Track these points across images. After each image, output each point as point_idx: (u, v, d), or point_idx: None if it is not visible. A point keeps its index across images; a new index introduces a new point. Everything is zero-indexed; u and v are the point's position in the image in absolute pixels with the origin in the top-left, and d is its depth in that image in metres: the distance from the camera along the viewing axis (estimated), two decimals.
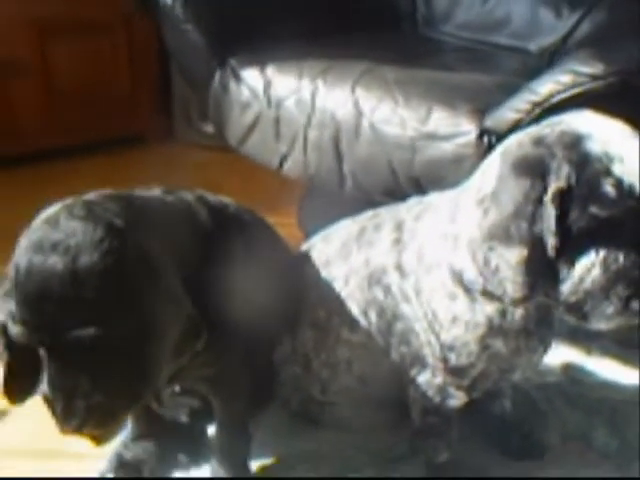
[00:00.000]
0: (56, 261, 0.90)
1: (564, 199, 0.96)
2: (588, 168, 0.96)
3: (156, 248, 0.99)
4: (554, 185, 0.96)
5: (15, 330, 0.94)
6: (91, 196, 1.02)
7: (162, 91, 2.74)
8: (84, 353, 0.92)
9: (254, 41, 1.75)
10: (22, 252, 0.93)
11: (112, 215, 0.96)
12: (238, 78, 1.71)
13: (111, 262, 0.92)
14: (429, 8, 2.08)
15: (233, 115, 1.73)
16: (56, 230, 0.93)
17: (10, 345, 0.99)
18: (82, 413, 0.94)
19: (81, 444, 1.31)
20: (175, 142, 2.78)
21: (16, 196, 2.30)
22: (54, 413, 0.96)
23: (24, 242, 0.94)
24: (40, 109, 2.50)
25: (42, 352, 0.95)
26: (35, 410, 1.39)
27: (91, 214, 0.95)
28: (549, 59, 1.76)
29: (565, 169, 0.96)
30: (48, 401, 0.96)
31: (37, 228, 0.95)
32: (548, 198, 0.97)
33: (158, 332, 0.97)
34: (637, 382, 1.53)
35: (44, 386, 0.96)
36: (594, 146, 0.96)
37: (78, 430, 0.96)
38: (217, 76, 1.75)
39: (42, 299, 0.90)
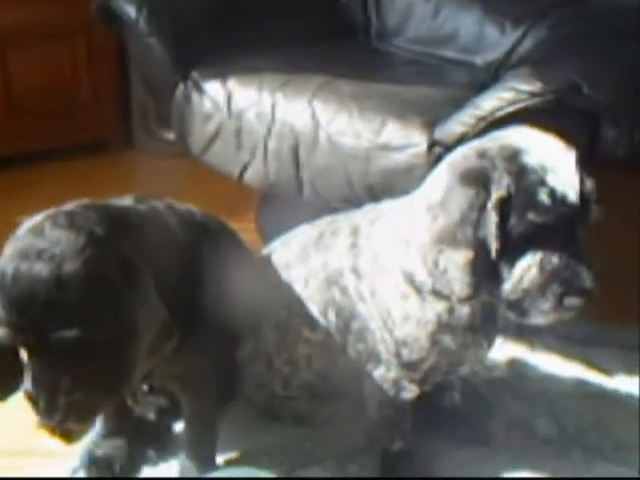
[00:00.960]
0: (41, 268, 0.95)
1: (505, 207, 1.05)
2: (525, 179, 1.04)
3: (133, 255, 1.05)
4: (496, 194, 1.05)
5: (1, 332, 0.99)
6: (72, 206, 1.07)
7: (121, 99, 2.74)
8: (66, 353, 0.97)
9: (215, 54, 1.80)
10: (8, 259, 0.98)
11: (92, 224, 1.02)
12: (200, 90, 1.75)
13: (93, 269, 0.97)
14: (382, 22, 2.15)
15: (195, 126, 1.78)
16: (41, 239, 0.98)
17: None
18: (63, 409, 0.99)
19: (52, 442, 1.37)
20: (135, 149, 2.80)
21: None
22: (37, 409, 1.01)
23: (10, 250, 0.99)
24: (1, 116, 2.50)
25: (26, 352, 1.01)
26: (5, 410, 1.44)
27: (73, 223, 1.00)
28: (494, 73, 1.85)
29: (505, 180, 1.05)
30: (31, 398, 1.01)
31: (23, 236, 1.00)
32: (490, 206, 1.05)
33: (135, 334, 1.02)
34: (575, 374, 1.62)
35: (27, 384, 1.01)
36: (531, 159, 1.05)
37: (59, 425, 1.02)
38: (180, 88, 1.80)
39: (28, 303, 0.95)
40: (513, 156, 1.06)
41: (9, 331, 0.98)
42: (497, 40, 1.94)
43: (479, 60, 1.96)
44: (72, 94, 2.64)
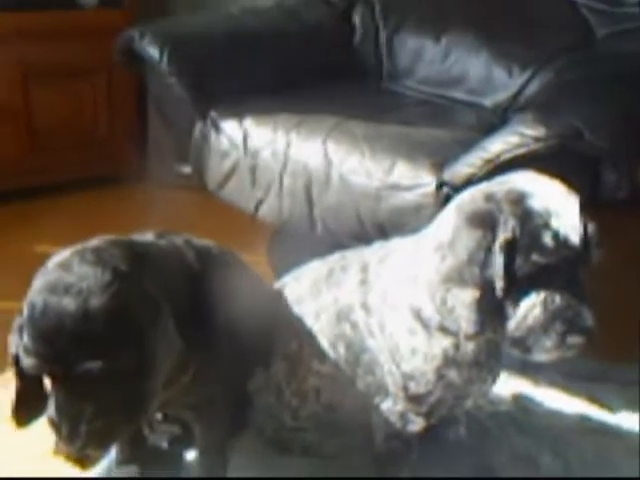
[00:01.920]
0: (69, 302, 1.00)
1: (510, 248, 1.09)
2: (530, 222, 1.09)
3: (154, 290, 1.10)
4: (502, 236, 1.09)
5: (28, 362, 1.03)
6: (98, 242, 1.12)
7: (138, 133, 2.82)
8: (90, 383, 1.02)
9: (233, 95, 1.85)
10: (38, 292, 1.03)
11: (117, 260, 1.07)
12: (218, 129, 1.81)
13: (117, 304, 1.02)
14: (393, 63, 2.21)
15: (212, 162, 1.83)
16: (69, 274, 1.03)
17: (21, 374, 1.09)
18: (84, 436, 1.04)
19: (68, 469, 1.41)
20: (150, 183, 2.85)
21: None
22: (59, 435, 1.05)
23: (39, 283, 1.04)
24: (20, 149, 2.58)
25: (50, 381, 1.05)
26: (23, 435, 1.48)
27: (100, 260, 1.05)
28: (502, 114, 1.90)
29: (511, 222, 1.09)
30: (54, 424, 1.06)
31: (52, 271, 1.05)
32: (497, 247, 1.09)
33: (154, 366, 1.07)
34: (578, 410, 1.64)
35: (51, 411, 1.06)
36: (536, 203, 1.10)
37: (79, 451, 1.06)
38: (198, 126, 1.85)
39: (56, 336, 1.00)
40: (518, 200, 1.10)
41: (37, 361, 1.03)
42: (505, 83, 1.99)
43: (487, 102, 2.00)
44: (91, 129, 2.72)
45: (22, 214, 2.51)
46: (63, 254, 1.08)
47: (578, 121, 1.39)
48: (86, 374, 1.01)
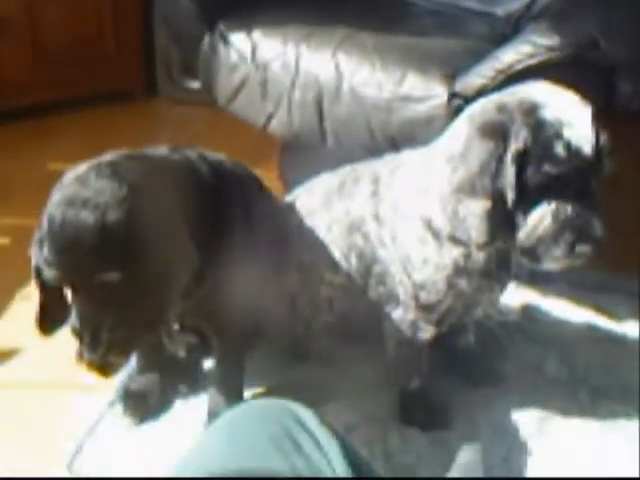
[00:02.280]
0: (87, 216, 1.02)
1: (522, 158, 1.09)
2: (542, 132, 1.09)
3: (170, 203, 1.12)
4: (514, 146, 1.09)
5: (49, 274, 1.06)
6: (114, 156, 1.13)
7: (145, 48, 2.77)
8: (108, 294, 1.05)
9: (241, 6, 1.82)
10: (56, 206, 1.05)
11: (133, 174, 1.08)
12: (226, 42, 1.78)
13: (134, 218, 1.04)
14: None
15: (221, 76, 1.81)
16: (86, 188, 1.04)
17: (43, 286, 1.13)
18: (106, 344, 1.08)
19: (89, 376, 1.46)
20: (158, 98, 2.83)
21: (6, 151, 2.38)
22: (81, 344, 1.09)
23: (57, 197, 1.06)
24: (27, 66, 2.54)
25: (71, 292, 1.09)
26: (47, 347, 1.53)
27: (116, 174, 1.07)
28: (514, 24, 1.85)
29: (523, 132, 1.09)
30: (76, 333, 1.09)
31: (69, 185, 1.06)
32: (508, 158, 1.10)
33: (170, 278, 1.10)
34: (585, 320, 1.67)
35: (73, 321, 1.09)
36: (548, 113, 1.09)
37: (101, 359, 1.10)
38: (206, 39, 1.82)
39: (75, 248, 1.02)
40: (531, 110, 1.10)
41: (57, 273, 1.06)
42: None
43: (500, 11, 1.95)
44: (96, 43, 2.66)
45: (32, 132, 2.51)
46: (79, 168, 1.09)
47: (593, 30, 1.37)
48: (104, 285, 1.04)
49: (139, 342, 1.15)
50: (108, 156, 1.13)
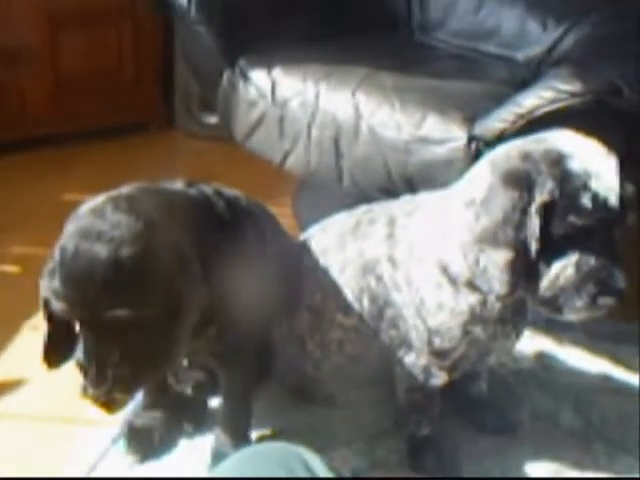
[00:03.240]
0: (101, 249, 1.01)
1: (547, 210, 1.08)
2: (569, 183, 1.07)
3: (184, 239, 1.10)
4: (539, 198, 1.08)
5: (58, 306, 1.05)
6: (131, 189, 1.13)
7: (164, 81, 2.79)
8: (117, 330, 1.04)
9: (262, 43, 1.82)
10: (69, 237, 1.04)
11: (149, 209, 1.08)
12: (246, 78, 1.78)
13: (148, 254, 1.03)
14: (424, 15, 2.15)
15: (240, 112, 1.81)
16: (102, 221, 1.03)
17: (51, 318, 1.11)
18: (111, 380, 1.06)
19: (94, 412, 1.44)
20: (176, 131, 2.84)
21: (24, 179, 2.39)
22: (86, 378, 1.07)
23: (71, 228, 1.05)
24: (46, 96, 2.56)
25: (79, 326, 1.07)
26: (52, 379, 1.51)
27: (133, 208, 1.06)
28: (535, 69, 1.86)
29: (549, 184, 1.08)
30: (81, 368, 1.08)
31: (84, 216, 1.05)
32: (534, 210, 1.08)
33: (181, 316, 1.08)
34: (602, 370, 1.64)
35: (79, 354, 1.08)
36: (575, 164, 1.08)
37: (105, 395, 1.08)
38: (226, 75, 1.82)
39: (86, 281, 1.01)
40: (557, 161, 1.09)
41: (66, 306, 1.04)
42: (539, 36, 1.94)
43: (520, 56, 1.95)
44: (116, 75, 2.68)
45: (50, 161, 2.52)
46: (96, 200, 1.09)
47: (616, 76, 1.36)
48: (113, 321, 1.02)
49: (145, 380, 1.13)
50: (125, 189, 1.13)
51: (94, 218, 1.04)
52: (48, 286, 1.06)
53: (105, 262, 1.00)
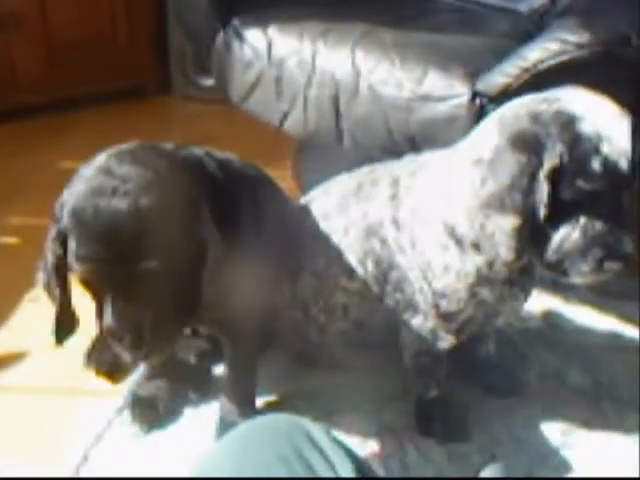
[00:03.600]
0: (119, 202, 0.99)
1: (555, 174, 1.04)
2: (579, 147, 1.04)
3: (191, 189, 1.09)
4: (549, 163, 1.05)
5: (84, 268, 1.02)
6: (129, 146, 1.10)
7: (159, 45, 2.74)
8: (148, 285, 1.02)
9: (256, 2, 1.78)
10: (83, 198, 1.01)
11: (153, 160, 1.06)
12: (241, 38, 1.74)
13: (166, 202, 1.02)
14: None
15: (236, 73, 1.77)
16: (111, 177, 1.02)
17: (63, 284, 1.09)
18: (149, 341, 1.04)
19: (97, 382, 1.43)
20: (172, 94, 2.80)
21: (18, 148, 2.35)
22: (121, 344, 1.05)
23: (81, 189, 1.02)
24: (39, 63, 2.51)
25: (107, 290, 1.04)
26: (55, 351, 1.50)
27: (137, 160, 1.04)
28: (538, 21, 1.80)
29: (559, 148, 1.04)
30: (114, 334, 1.05)
31: (92, 176, 1.03)
32: (543, 175, 1.05)
33: (204, 261, 1.07)
34: (610, 328, 1.63)
35: (108, 322, 1.04)
36: (586, 127, 1.04)
37: (145, 357, 1.07)
38: (220, 35, 1.78)
39: (112, 236, 0.99)
40: (568, 123, 1.05)
41: (93, 265, 1.01)
42: None
43: (523, 7, 1.90)
44: (110, 39, 2.63)
45: (44, 129, 2.48)
46: (97, 159, 1.07)
47: (625, 25, 1.32)
48: (145, 273, 1.01)
49: (178, 335, 1.12)
50: (122, 146, 1.10)
51: (102, 175, 1.02)
52: (59, 251, 1.04)
53: (128, 214, 0.99)
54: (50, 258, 1.07)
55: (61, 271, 1.08)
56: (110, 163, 1.04)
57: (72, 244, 1.02)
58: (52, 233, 1.06)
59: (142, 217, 1.00)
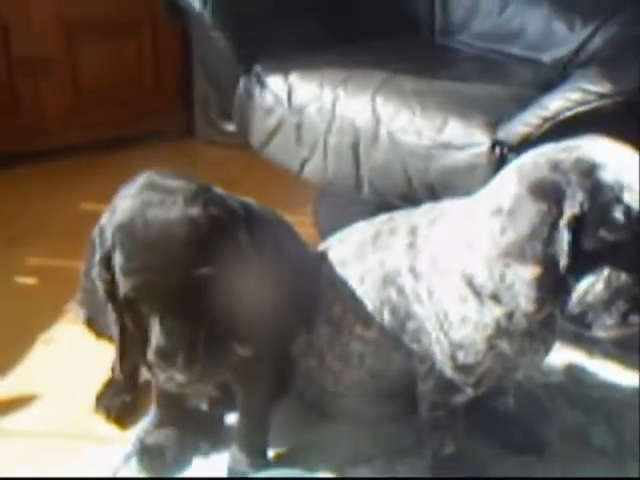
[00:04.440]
0: (170, 211, 1.01)
1: (577, 224, 1.02)
2: (601, 196, 1.02)
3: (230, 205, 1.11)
4: (569, 211, 1.03)
5: (133, 281, 1.01)
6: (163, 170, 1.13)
7: (184, 90, 2.78)
8: (200, 296, 1.02)
9: (278, 49, 1.80)
10: (130, 212, 1.02)
11: (192, 179, 1.09)
12: (262, 84, 1.75)
13: (213, 211, 1.05)
14: (447, 17, 2.12)
15: (256, 119, 1.78)
16: (157, 191, 1.03)
17: (120, 310, 1.07)
18: (203, 359, 1.03)
19: (107, 428, 1.40)
20: (195, 139, 2.83)
21: (39, 189, 2.37)
22: (173, 365, 1.03)
23: (126, 204, 1.03)
24: (67, 106, 2.55)
25: (158, 307, 1.03)
26: (66, 394, 1.48)
27: (179, 177, 1.07)
28: (561, 71, 1.81)
29: (580, 196, 1.02)
30: (166, 355, 1.03)
31: (137, 192, 1.04)
32: (563, 223, 1.03)
33: (249, 271, 1.09)
34: (635, 384, 1.58)
35: (160, 342, 1.03)
36: (607, 175, 1.02)
37: (200, 379, 1.06)
38: (242, 82, 1.80)
39: (163, 244, 1.00)
40: (588, 171, 1.03)
41: (144, 277, 1.01)
42: (565, 37, 1.89)
43: (546, 57, 1.91)
44: (136, 84, 2.67)
45: (66, 171, 2.50)
46: (138, 179, 1.08)
47: None
48: (198, 282, 1.00)
49: (229, 355, 1.11)
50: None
51: (147, 190, 1.04)
52: (105, 275, 1.03)
53: (179, 222, 1.01)
54: (100, 286, 1.06)
55: (114, 295, 1.06)
56: (153, 179, 1.06)
57: (120, 261, 1.02)
58: (92, 259, 1.05)
59: (193, 224, 1.01)
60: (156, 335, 1.03)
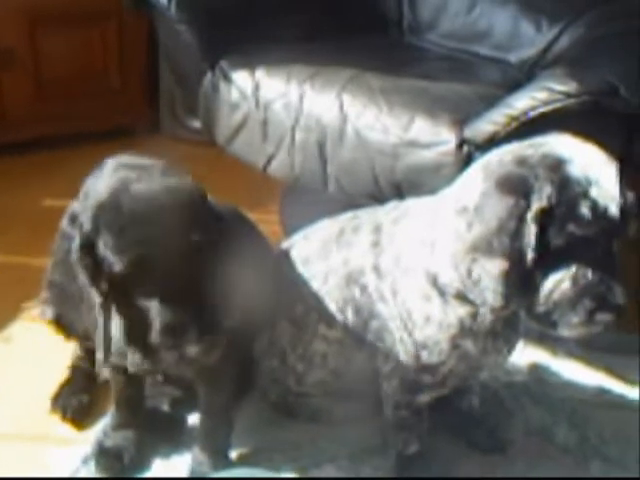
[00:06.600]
0: (152, 184, 1.01)
1: (545, 218, 1.02)
2: (568, 190, 1.02)
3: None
4: (537, 205, 1.02)
5: (125, 261, 0.99)
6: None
7: (149, 84, 2.74)
8: (199, 261, 1.03)
9: (245, 44, 1.78)
10: (108, 191, 1.00)
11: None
12: (228, 79, 1.73)
13: (188, 182, 1.06)
14: (415, 16, 2.11)
15: (222, 115, 1.76)
16: (132, 170, 1.03)
17: (106, 293, 1.05)
18: (211, 325, 1.05)
19: (64, 430, 1.37)
20: (161, 135, 2.78)
21: (3, 185, 2.31)
22: (182, 337, 1.04)
23: (100, 187, 1.01)
24: (29, 99, 2.49)
25: (155, 280, 1.02)
26: (21, 396, 1.45)
27: (147, 158, 1.08)
28: (528, 71, 1.82)
29: (547, 190, 1.02)
30: (170, 330, 1.03)
31: (110, 174, 1.03)
32: (530, 217, 1.02)
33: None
34: (598, 383, 1.59)
35: (164, 317, 1.03)
36: (574, 170, 1.02)
37: (212, 347, 1.08)
38: (208, 76, 1.78)
39: (154, 215, 1.00)
40: (556, 166, 1.03)
41: (140, 252, 0.99)
42: (532, 38, 1.89)
43: (513, 58, 1.91)
44: (101, 78, 2.62)
45: (31, 166, 2.45)
46: (106, 165, 1.08)
47: (613, 76, 1.31)
48: (194, 248, 1.00)
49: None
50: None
51: (121, 169, 1.03)
52: (91, 262, 1.02)
53: (166, 190, 1.01)
54: (83, 273, 1.04)
55: (99, 280, 1.04)
56: (122, 160, 1.06)
57: (108, 241, 1.00)
58: (70, 251, 1.04)
59: (178, 192, 1.02)
60: (160, 313, 1.02)
